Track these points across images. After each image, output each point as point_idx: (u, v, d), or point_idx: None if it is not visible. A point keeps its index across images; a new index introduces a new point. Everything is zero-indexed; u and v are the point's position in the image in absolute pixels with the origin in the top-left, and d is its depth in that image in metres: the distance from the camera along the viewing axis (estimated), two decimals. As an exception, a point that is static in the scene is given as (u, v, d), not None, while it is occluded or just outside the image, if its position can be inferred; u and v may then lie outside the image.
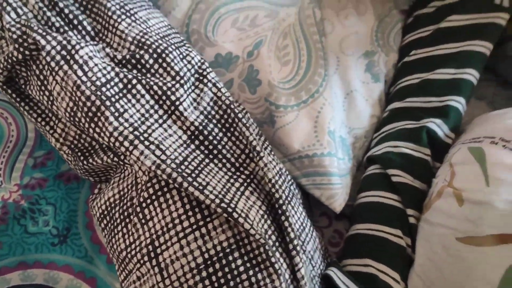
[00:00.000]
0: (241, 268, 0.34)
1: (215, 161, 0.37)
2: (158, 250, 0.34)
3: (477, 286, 0.35)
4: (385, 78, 0.56)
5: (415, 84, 0.54)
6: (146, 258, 0.34)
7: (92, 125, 0.36)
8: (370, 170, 0.50)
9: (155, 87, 0.37)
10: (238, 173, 0.38)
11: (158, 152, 0.35)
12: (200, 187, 0.34)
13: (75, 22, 0.40)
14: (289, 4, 0.53)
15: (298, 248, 0.36)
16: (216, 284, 0.33)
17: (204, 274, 0.33)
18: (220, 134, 0.39)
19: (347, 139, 0.51)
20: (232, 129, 0.39)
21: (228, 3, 0.51)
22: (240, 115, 0.39)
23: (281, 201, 0.37)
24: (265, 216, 0.36)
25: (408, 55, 0.57)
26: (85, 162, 0.40)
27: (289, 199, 0.39)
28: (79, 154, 0.41)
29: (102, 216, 0.39)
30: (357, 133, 0.53)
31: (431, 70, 0.54)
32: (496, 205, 0.37)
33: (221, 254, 0.33)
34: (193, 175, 0.34)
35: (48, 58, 0.36)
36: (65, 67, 0.36)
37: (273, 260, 0.34)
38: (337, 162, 0.47)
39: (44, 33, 0.37)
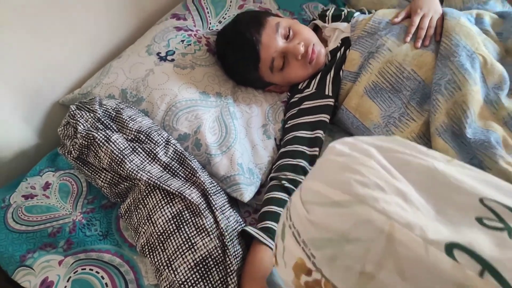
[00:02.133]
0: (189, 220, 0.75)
1: (176, 178, 0.81)
2: (152, 219, 0.76)
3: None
4: (274, 137, 1.02)
5: (291, 139, 0.99)
6: (146, 222, 0.76)
7: (120, 169, 0.80)
8: (270, 183, 0.92)
9: (146, 147, 0.82)
10: (187, 182, 0.81)
11: (148, 175, 0.78)
12: (166, 186, 0.76)
13: (110, 126, 0.87)
14: (215, 106, 1.01)
15: (219, 216, 0.77)
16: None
17: (173, 225, 0.74)
18: (178, 165, 0.83)
19: (253, 168, 0.95)
20: (184, 164, 0.84)
21: (183, 108, 0.98)
22: (188, 157, 0.84)
23: (210, 192, 0.79)
24: (202, 198, 0.79)
25: (287, 123, 1.03)
26: (115, 189, 0.84)
27: (215, 195, 0.81)
28: (113, 186, 0.84)
29: (127, 211, 0.81)
30: (261, 166, 0.97)
31: (298, 131, 0.99)
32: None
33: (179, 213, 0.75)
34: (164, 181, 0.78)
35: (99, 142, 0.82)
36: (106, 144, 0.81)
37: (204, 215, 0.75)
38: (243, 178, 0.90)
39: (96, 131, 0.83)
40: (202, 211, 0.75)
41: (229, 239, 0.74)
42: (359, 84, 0.97)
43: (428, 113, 0.91)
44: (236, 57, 1.04)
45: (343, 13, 1.14)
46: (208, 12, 1.20)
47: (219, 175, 0.91)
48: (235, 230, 0.78)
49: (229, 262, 0.72)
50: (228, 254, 0.73)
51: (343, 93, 1.02)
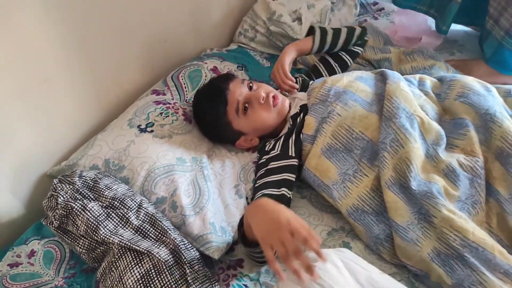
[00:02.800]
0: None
1: (147, 239, 0.87)
2: (123, 280, 0.81)
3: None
4: (246, 196, 1.10)
5: (259, 197, 1.06)
6: (118, 283, 0.81)
7: (94, 235, 0.87)
8: None
9: (119, 213, 0.90)
10: (157, 242, 0.87)
11: (120, 238, 0.85)
12: (136, 246, 0.83)
13: (88, 195, 0.95)
14: (190, 170, 1.09)
15: (187, 270, 0.82)
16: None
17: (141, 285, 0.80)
18: (149, 227, 0.90)
19: (225, 226, 1.01)
20: (155, 225, 0.90)
21: (160, 174, 1.06)
22: (159, 218, 0.91)
23: (182, 248, 0.85)
24: (171, 256, 0.84)
25: (256, 183, 1.11)
26: (92, 254, 0.90)
27: (186, 250, 0.87)
28: (90, 252, 0.91)
29: (102, 274, 0.86)
30: (233, 223, 1.03)
31: (265, 189, 1.06)
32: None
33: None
34: (135, 242, 0.84)
35: (76, 211, 0.89)
36: (82, 212, 0.89)
37: (170, 272, 0.81)
38: (215, 236, 0.96)
39: (74, 202, 0.91)
40: (168, 269, 0.81)
41: None
42: (316, 146, 1.07)
43: (378, 169, 0.99)
44: (207, 103, 1.18)
45: (302, 82, 1.30)
46: (185, 87, 1.32)
47: (193, 234, 0.97)
48: (203, 284, 0.83)
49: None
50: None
51: (305, 154, 1.12)
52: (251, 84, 1.20)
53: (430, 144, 1.00)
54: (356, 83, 1.13)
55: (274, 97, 1.17)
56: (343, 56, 1.38)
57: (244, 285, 0.95)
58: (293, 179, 1.08)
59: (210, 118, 1.18)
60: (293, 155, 1.11)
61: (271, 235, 0.69)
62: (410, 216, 0.92)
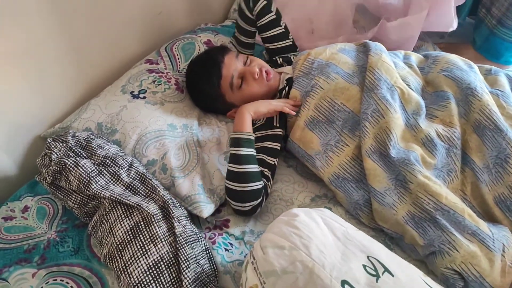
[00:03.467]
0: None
1: (137, 195, 0.92)
2: (113, 231, 0.85)
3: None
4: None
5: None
6: (108, 234, 0.86)
7: (86, 190, 0.90)
8: None
9: (111, 170, 0.94)
10: (147, 198, 0.92)
11: (111, 192, 0.89)
12: (127, 200, 0.87)
13: (80, 153, 0.98)
14: (180, 136, 1.13)
15: (175, 223, 0.87)
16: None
17: (130, 235, 0.84)
18: (139, 184, 0.94)
19: (214, 189, 1.05)
20: (145, 183, 0.94)
21: (151, 138, 1.10)
22: (149, 177, 0.95)
23: (170, 204, 0.90)
24: (159, 210, 0.89)
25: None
26: (84, 209, 0.94)
27: (174, 207, 0.91)
28: (82, 206, 0.95)
29: (93, 226, 0.91)
30: (221, 187, 1.06)
31: None
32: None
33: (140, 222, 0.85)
34: (125, 197, 0.88)
35: (69, 167, 0.93)
36: (75, 168, 0.92)
37: (158, 224, 0.85)
38: (203, 197, 1.01)
39: (67, 158, 0.94)
40: (156, 221, 0.85)
41: (181, 244, 0.83)
42: (299, 119, 1.12)
43: (359, 138, 1.03)
44: (202, 73, 1.20)
45: (291, 57, 1.32)
46: (178, 58, 1.35)
47: (181, 195, 1.02)
48: (189, 237, 0.87)
49: (181, 263, 0.81)
50: (180, 256, 0.82)
51: (289, 125, 1.16)
52: (246, 59, 1.23)
53: (411, 114, 1.05)
54: (339, 55, 1.16)
55: (267, 72, 1.20)
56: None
57: (229, 243, 0.99)
58: (277, 148, 1.13)
59: (203, 89, 1.22)
60: (277, 125, 1.16)
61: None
62: (387, 182, 0.98)
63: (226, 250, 0.97)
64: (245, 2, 1.33)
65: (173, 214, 0.89)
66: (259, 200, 1.01)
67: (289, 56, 1.35)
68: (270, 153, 1.11)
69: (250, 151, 1.05)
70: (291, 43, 1.38)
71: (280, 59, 1.35)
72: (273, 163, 1.10)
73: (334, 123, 1.07)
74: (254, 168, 1.03)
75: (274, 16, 1.34)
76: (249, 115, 1.10)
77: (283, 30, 1.36)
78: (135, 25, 1.37)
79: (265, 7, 1.31)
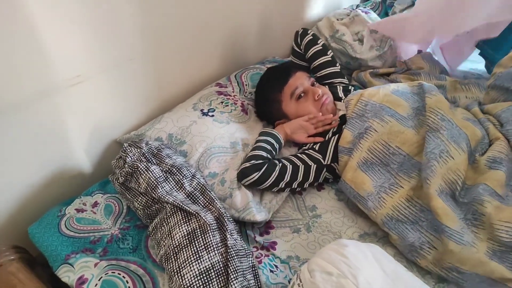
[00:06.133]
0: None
1: (196, 204, 0.98)
2: (172, 234, 0.92)
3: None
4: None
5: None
6: (167, 236, 0.92)
7: (153, 193, 0.99)
8: None
9: (176, 178, 1.01)
10: (205, 208, 0.98)
11: (174, 198, 0.96)
12: (187, 207, 0.93)
13: (151, 160, 1.08)
14: (240, 151, 1.20)
15: (228, 236, 0.92)
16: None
17: (186, 240, 0.90)
18: (199, 195, 1.01)
19: (266, 203, 1.11)
20: (205, 194, 1.01)
21: (216, 153, 1.18)
22: (208, 189, 1.02)
23: (225, 217, 0.95)
24: (215, 221, 0.94)
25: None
26: (147, 211, 1.02)
27: (228, 220, 0.97)
28: (146, 208, 1.03)
29: (154, 228, 0.98)
30: (265, 204, 1.12)
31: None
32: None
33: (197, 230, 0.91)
34: (186, 204, 0.95)
35: (141, 170, 1.02)
36: (146, 172, 1.01)
37: (213, 234, 0.91)
38: (255, 204, 1.07)
39: (139, 162, 1.04)
40: (211, 231, 0.91)
41: (232, 256, 0.88)
42: (352, 160, 1.13)
43: (415, 180, 1.04)
44: (272, 76, 1.36)
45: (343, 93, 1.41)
46: (246, 84, 1.45)
47: (237, 205, 1.08)
48: (239, 251, 0.92)
49: (230, 274, 0.85)
50: (230, 267, 0.86)
51: (341, 164, 1.18)
52: (314, 82, 1.34)
53: (473, 150, 1.06)
54: (393, 97, 1.15)
55: (327, 99, 1.27)
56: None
57: (274, 265, 1.02)
58: (320, 170, 1.20)
59: (266, 89, 1.33)
60: (329, 162, 1.21)
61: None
62: (459, 221, 0.95)
63: (271, 271, 1.00)
64: (295, 39, 1.54)
65: (227, 227, 0.94)
66: (261, 171, 1.11)
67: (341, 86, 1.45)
68: (300, 157, 1.20)
69: (263, 138, 1.20)
70: (338, 70, 1.50)
71: (341, 91, 1.42)
72: (299, 164, 1.18)
73: (389, 166, 1.08)
74: (259, 152, 1.16)
75: (320, 48, 1.49)
76: (284, 131, 1.26)
77: (330, 58, 1.49)
78: (214, 52, 1.49)
79: (311, 41, 1.49)
